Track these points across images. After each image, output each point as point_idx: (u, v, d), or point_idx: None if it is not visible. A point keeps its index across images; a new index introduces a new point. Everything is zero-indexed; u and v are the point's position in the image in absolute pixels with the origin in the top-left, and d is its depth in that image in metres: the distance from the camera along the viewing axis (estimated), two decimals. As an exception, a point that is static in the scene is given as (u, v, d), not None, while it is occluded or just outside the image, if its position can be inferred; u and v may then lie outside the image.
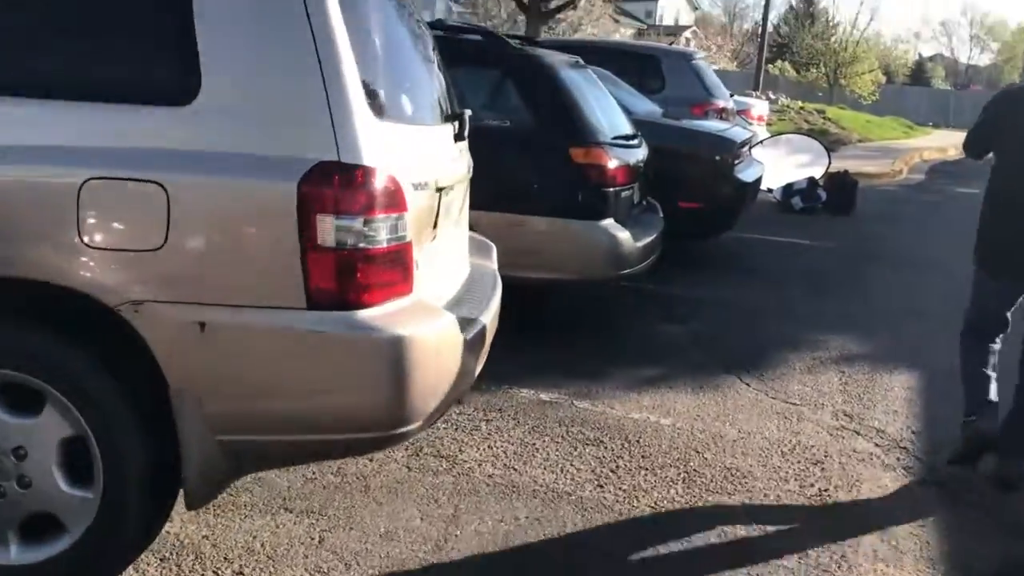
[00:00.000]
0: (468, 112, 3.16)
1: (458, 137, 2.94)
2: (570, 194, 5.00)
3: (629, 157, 5.39)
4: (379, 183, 2.28)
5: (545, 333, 5.50)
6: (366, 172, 2.25)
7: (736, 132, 7.87)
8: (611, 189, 5.06)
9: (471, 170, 3.52)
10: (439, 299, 2.79)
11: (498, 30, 24.73)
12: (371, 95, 2.35)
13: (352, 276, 2.24)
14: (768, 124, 18.23)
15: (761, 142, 12.00)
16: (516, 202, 5.01)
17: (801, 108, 21.51)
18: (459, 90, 3.70)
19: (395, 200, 2.33)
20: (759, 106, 12.90)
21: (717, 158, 7.18)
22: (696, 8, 69.93)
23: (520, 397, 4.43)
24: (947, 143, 22.90)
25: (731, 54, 53.75)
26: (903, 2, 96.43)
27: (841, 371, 5.21)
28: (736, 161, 7.31)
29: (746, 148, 7.96)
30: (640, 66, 10.17)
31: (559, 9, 22.11)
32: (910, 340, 5.87)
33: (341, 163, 2.23)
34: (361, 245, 2.24)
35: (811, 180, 11.13)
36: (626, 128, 5.72)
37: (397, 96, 2.55)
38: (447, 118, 2.97)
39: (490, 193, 4.99)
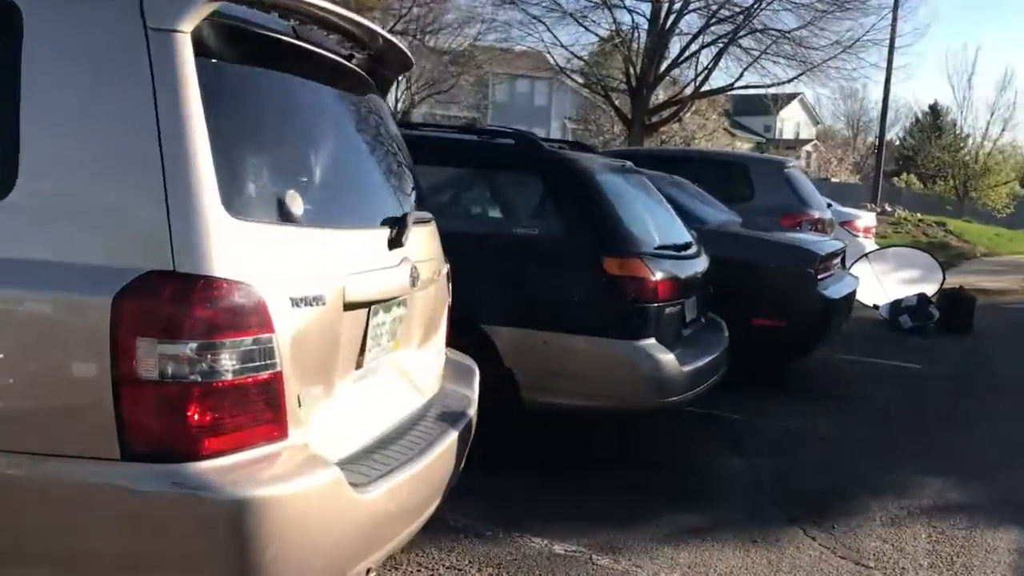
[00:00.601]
0: (418, 215, 2.65)
1: (394, 243, 2.44)
2: (603, 310, 4.43)
3: (679, 270, 4.79)
4: (227, 297, 1.79)
5: (575, 468, 4.85)
6: (208, 284, 1.77)
7: (822, 244, 7.16)
8: (652, 305, 4.47)
9: (448, 280, 3.01)
10: (357, 442, 2.25)
11: (595, 144, 24.49)
12: (235, 190, 1.89)
13: (181, 417, 1.73)
14: (882, 237, 17.23)
15: (866, 255, 11.15)
16: (545, 318, 4.47)
17: (920, 220, 20.34)
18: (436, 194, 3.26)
19: (252, 319, 1.83)
20: (866, 217, 12.05)
21: (796, 271, 6.48)
22: (818, 122, 69.07)
23: (529, 548, 3.78)
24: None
25: (852, 167, 52.46)
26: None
27: (932, 525, 4.35)
28: (821, 275, 6.58)
29: (835, 261, 7.22)
30: (728, 175, 9.63)
31: (664, 122, 21.88)
32: (1023, 489, 4.94)
33: (175, 272, 1.75)
34: (193, 377, 1.74)
35: (922, 297, 10.16)
36: (680, 237, 5.14)
37: (283, 193, 2.08)
38: (385, 222, 2.48)
39: (516, 307, 4.54)
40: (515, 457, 4.63)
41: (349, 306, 2.19)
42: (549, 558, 3.70)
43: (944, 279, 11.14)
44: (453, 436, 2.60)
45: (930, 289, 10.79)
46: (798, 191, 9.52)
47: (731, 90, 22.47)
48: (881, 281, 10.95)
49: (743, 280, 6.56)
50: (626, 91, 21.76)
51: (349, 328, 2.24)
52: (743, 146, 60.21)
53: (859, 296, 11.27)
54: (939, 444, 5.70)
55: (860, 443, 5.64)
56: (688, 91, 21.72)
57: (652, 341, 4.45)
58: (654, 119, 21.57)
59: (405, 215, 2.50)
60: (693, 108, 39.09)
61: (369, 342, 2.36)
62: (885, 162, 52.20)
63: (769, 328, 6.52)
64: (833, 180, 47.91)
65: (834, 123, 67.97)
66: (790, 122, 67.36)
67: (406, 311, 2.62)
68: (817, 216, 9.48)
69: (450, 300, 3.18)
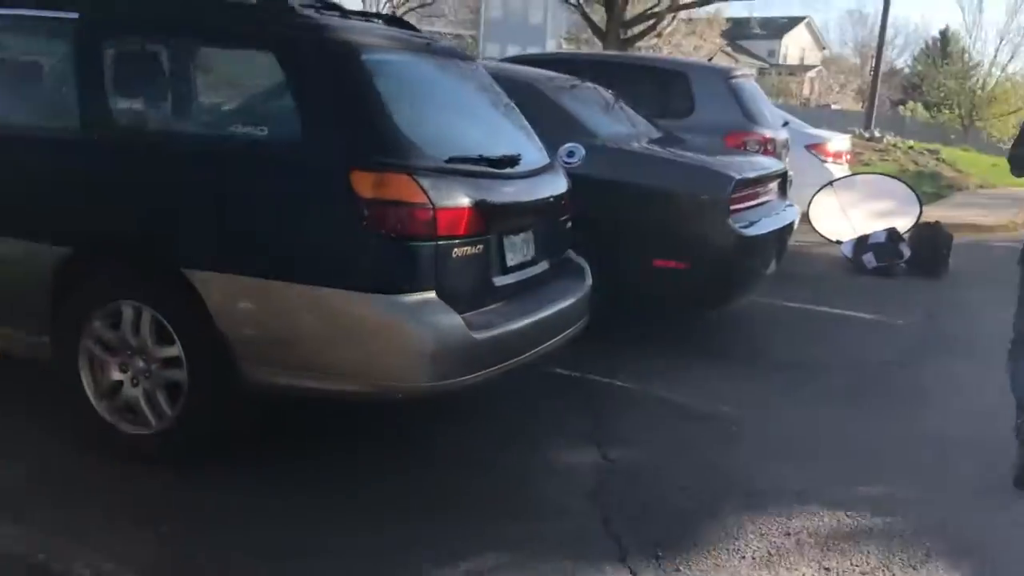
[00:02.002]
0: None
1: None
2: (350, 249, 3.02)
3: (491, 193, 3.36)
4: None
5: (332, 468, 3.50)
6: None
7: (744, 165, 5.69)
8: (428, 243, 3.05)
9: None
10: None
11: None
12: None
13: None
14: (865, 164, 15.67)
15: (831, 184, 9.66)
16: (269, 260, 3.07)
17: (911, 148, 18.70)
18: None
19: None
20: (837, 140, 10.49)
21: (701, 200, 5.05)
22: (824, 48, 66.59)
23: None
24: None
25: (856, 93, 50.34)
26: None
27: (825, 568, 3.01)
28: (737, 205, 5.14)
29: (766, 188, 5.77)
30: (666, 85, 8.11)
31: (642, 35, 20.12)
32: (972, 503, 3.59)
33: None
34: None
35: (892, 232, 8.71)
36: (507, 148, 3.68)
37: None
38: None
39: (232, 244, 3.14)
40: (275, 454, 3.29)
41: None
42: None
43: (921, 212, 9.68)
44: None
45: (904, 224, 9.33)
46: (746, 105, 7.98)
47: (712, 1, 20.66)
48: (847, 213, 9.49)
49: (639, 210, 5.17)
50: (602, 0, 19.96)
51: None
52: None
53: (821, 230, 9.88)
54: (869, 432, 4.34)
55: (765, 428, 4.28)
56: (666, 1, 19.89)
57: (426, 296, 3.05)
58: (631, 32, 19.79)
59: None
60: (691, 28, 37.29)
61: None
62: (892, 90, 50.24)
63: (671, 271, 5.13)
64: (834, 107, 45.94)
65: (842, 49, 65.40)
66: (795, 47, 64.95)
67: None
68: (768, 135, 7.97)
69: None
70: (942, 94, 41.91)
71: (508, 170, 3.53)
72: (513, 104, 4.14)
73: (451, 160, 3.23)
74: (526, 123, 4.13)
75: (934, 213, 11.76)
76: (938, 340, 6.19)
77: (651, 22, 19.61)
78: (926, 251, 8.49)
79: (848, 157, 11.06)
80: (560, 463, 3.74)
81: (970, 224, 11.92)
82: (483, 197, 3.27)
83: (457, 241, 3.13)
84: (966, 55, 46.85)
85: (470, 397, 3.79)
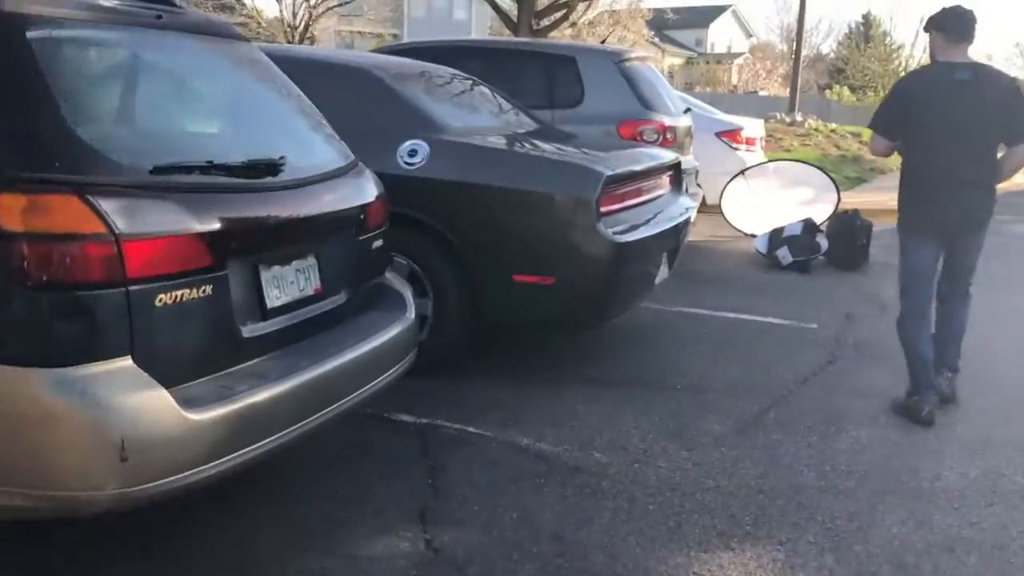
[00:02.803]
0: None
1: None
2: (-9, 307, 2.12)
3: (227, 210, 2.48)
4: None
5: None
6: None
7: (622, 159, 4.88)
8: (112, 290, 2.16)
9: None
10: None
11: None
12: None
13: None
14: (786, 150, 15.08)
15: (742, 173, 8.95)
16: None
17: (833, 131, 18.21)
18: None
19: None
20: (751, 126, 9.80)
21: (564, 202, 4.22)
22: (751, 35, 66.77)
23: None
24: None
25: (782, 79, 50.31)
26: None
27: None
28: (611, 206, 4.33)
29: (655, 182, 4.98)
30: (552, 72, 7.30)
31: (554, 26, 19.34)
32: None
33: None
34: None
35: (808, 224, 8.02)
36: (267, 150, 2.79)
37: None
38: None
39: None
40: None
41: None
42: None
43: (839, 201, 9.01)
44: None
45: (822, 213, 8.66)
46: (641, 91, 7.21)
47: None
48: (761, 204, 8.79)
49: (495, 216, 4.34)
50: (512, -9, 19.19)
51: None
52: (672, 61, 57.77)
53: (734, 223, 9.18)
54: (780, 481, 3.56)
55: (645, 485, 3.46)
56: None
57: (115, 365, 2.16)
58: (543, 23, 19.02)
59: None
60: (615, 19, 36.66)
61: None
62: (818, 75, 50.32)
63: (534, 287, 4.30)
64: (762, 93, 45.76)
65: (768, 36, 65.69)
66: (723, 36, 65.05)
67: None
68: (667, 123, 7.21)
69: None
70: (866, 77, 42.04)
71: (262, 179, 2.64)
72: (300, 95, 3.26)
73: (159, 171, 2.33)
74: (317, 119, 3.26)
75: (856, 199, 11.18)
76: (856, 347, 5.46)
77: (563, 12, 18.84)
78: (844, 242, 7.81)
79: (763, 143, 10.39)
80: (370, 558, 2.87)
81: (893, 209, 11.32)
82: (214, 217, 2.39)
83: (164, 283, 2.25)
84: (888, 38, 47.19)
85: (268, 466, 2.90)
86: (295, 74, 3.51)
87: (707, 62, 57.94)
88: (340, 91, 4.50)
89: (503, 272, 4.32)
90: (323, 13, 33.67)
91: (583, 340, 5.21)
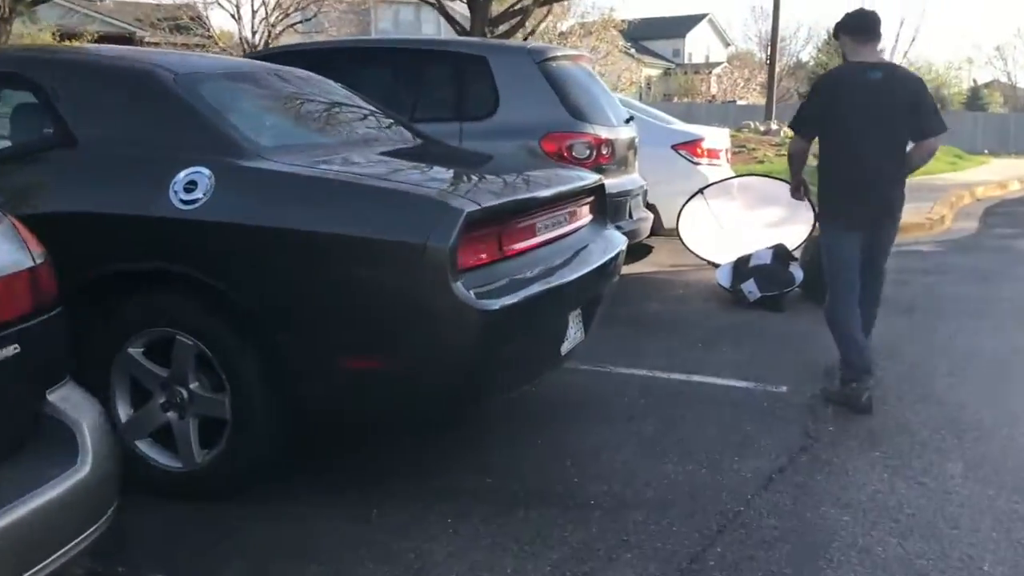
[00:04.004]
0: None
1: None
2: None
3: None
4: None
5: None
6: None
7: (514, 185, 3.56)
8: None
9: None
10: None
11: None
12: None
13: None
14: (759, 162, 13.80)
15: (702, 191, 7.65)
16: None
17: (811, 140, 16.96)
18: None
19: None
20: (713, 137, 8.48)
21: (407, 251, 2.88)
22: (728, 44, 65.95)
23: None
24: (1009, 175, 18.11)
25: (761, 88, 49.35)
26: (953, 27, 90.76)
27: None
28: (472, 258, 3.01)
29: (561, 213, 3.66)
30: (459, 76, 6.00)
31: (510, 33, 18.09)
32: None
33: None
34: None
35: (779, 251, 6.73)
36: None
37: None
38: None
39: None
40: None
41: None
42: None
43: (816, 223, 7.70)
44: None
45: (795, 237, 7.36)
46: (568, 97, 5.91)
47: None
48: (724, 227, 7.50)
49: (309, 276, 3.00)
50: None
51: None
52: (648, 72, 56.80)
53: (694, 249, 7.89)
54: None
55: None
56: (531, -4, 17.92)
57: None
58: (498, 31, 17.78)
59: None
60: (587, 29, 35.57)
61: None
62: (798, 82, 49.34)
63: (371, 374, 2.97)
64: (740, 102, 44.73)
65: (746, 44, 64.80)
66: (700, 45, 64.27)
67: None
68: (601, 135, 5.91)
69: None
70: (846, 83, 41.02)
71: None
72: None
73: None
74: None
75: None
76: (838, 422, 4.15)
77: (518, 19, 17.60)
78: (821, 274, 6.48)
79: (729, 156, 9.09)
80: None
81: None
82: None
83: None
84: (867, 43, 46.13)
85: None
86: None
87: (685, 72, 56.97)
88: (111, 101, 3.23)
89: (324, 354, 2.99)
90: (282, 32, 32.44)
91: (466, 424, 3.88)
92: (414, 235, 2.85)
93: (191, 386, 3.16)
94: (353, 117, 4.10)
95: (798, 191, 4.67)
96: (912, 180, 14.43)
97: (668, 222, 7.84)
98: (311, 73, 4.38)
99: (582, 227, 4.01)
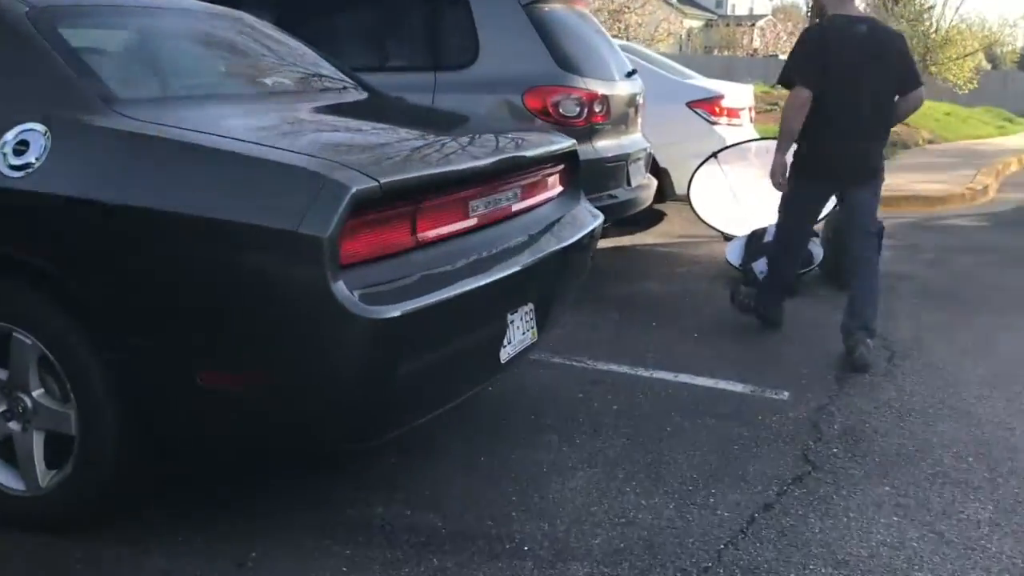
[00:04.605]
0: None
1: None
2: None
3: None
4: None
5: None
6: None
7: (435, 152, 2.87)
8: None
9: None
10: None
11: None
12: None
13: None
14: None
15: (715, 155, 6.90)
16: None
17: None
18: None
19: None
20: (735, 94, 7.69)
21: (283, 240, 2.22)
22: (775, -4, 63.91)
23: None
24: (1063, 140, 17.00)
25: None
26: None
27: None
28: (363, 249, 2.35)
29: (513, 186, 2.99)
30: (436, 20, 5.29)
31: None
32: None
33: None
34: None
35: (796, 225, 5.96)
36: None
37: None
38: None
39: None
40: None
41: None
42: None
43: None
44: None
45: (818, 209, 6.59)
46: (558, 46, 5.17)
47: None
48: (739, 196, 6.76)
49: (163, 267, 2.37)
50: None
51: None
52: (691, 24, 55.17)
53: (707, 219, 7.16)
54: None
55: None
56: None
57: None
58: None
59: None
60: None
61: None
62: (844, 38, 47.48)
63: (234, 395, 2.35)
64: (782, 57, 43.21)
65: (793, -3, 62.71)
66: (744, -3, 62.41)
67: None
68: (596, 90, 5.19)
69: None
70: (894, 39, 39.40)
71: None
72: None
73: None
74: None
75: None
76: (845, 441, 3.48)
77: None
78: (843, 251, 5.75)
79: (752, 115, 8.28)
80: None
81: (915, 195, 9.27)
82: None
83: None
84: (919, -2, 44.29)
85: None
86: None
87: (727, 25, 55.15)
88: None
89: (179, 367, 2.37)
90: None
91: (396, 445, 3.25)
92: (283, 219, 2.20)
93: (34, 393, 2.57)
94: (274, 66, 3.43)
95: (781, 174, 4.48)
96: (954, 145, 13.58)
97: (680, 188, 7.11)
98: (240, 12, 3.71)
99: (544, 203, 3.34)
